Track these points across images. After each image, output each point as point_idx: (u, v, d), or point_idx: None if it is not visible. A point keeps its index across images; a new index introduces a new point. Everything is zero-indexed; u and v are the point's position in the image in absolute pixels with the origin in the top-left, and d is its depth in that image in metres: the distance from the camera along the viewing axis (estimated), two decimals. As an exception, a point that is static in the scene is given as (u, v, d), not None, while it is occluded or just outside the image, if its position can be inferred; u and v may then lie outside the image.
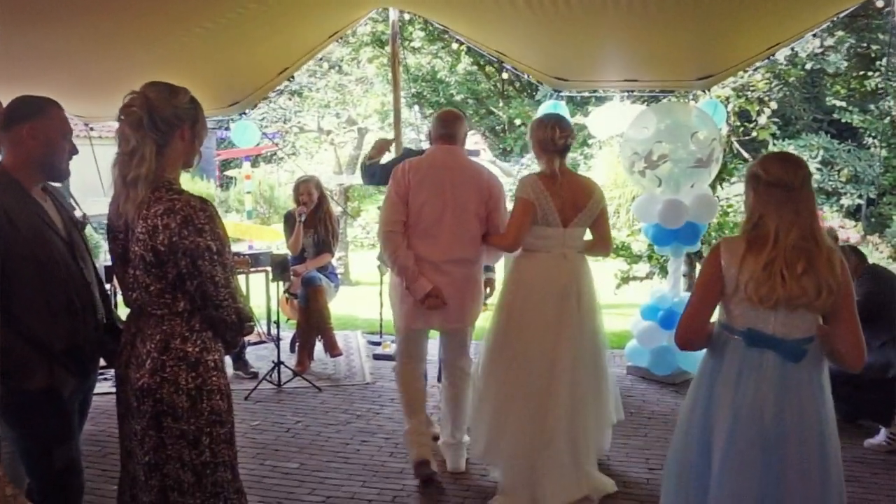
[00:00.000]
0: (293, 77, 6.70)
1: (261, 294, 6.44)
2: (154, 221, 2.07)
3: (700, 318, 2.26)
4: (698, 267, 6.22)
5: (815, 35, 8.96)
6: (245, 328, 2.23)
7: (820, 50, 11.15)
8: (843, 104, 12.42)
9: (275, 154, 18.23)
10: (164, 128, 2.13)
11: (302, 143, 16.92)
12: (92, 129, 7.02)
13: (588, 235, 3.55)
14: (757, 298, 2.12)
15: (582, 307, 3.39)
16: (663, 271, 6.07)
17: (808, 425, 2.14)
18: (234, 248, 10.43)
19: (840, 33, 11.17)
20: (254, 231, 9.18)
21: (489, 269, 4.53)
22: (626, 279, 6.11)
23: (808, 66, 11.29)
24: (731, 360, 2.22)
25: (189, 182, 14.88)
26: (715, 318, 2.34)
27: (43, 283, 2.26)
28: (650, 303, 5.33)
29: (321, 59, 18.00)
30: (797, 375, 2.16)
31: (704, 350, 2.34)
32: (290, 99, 18.92)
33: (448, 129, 3.65)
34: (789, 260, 2.11)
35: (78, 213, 2.83)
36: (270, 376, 5.16)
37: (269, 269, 5.74)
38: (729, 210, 6.26)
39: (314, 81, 18.25)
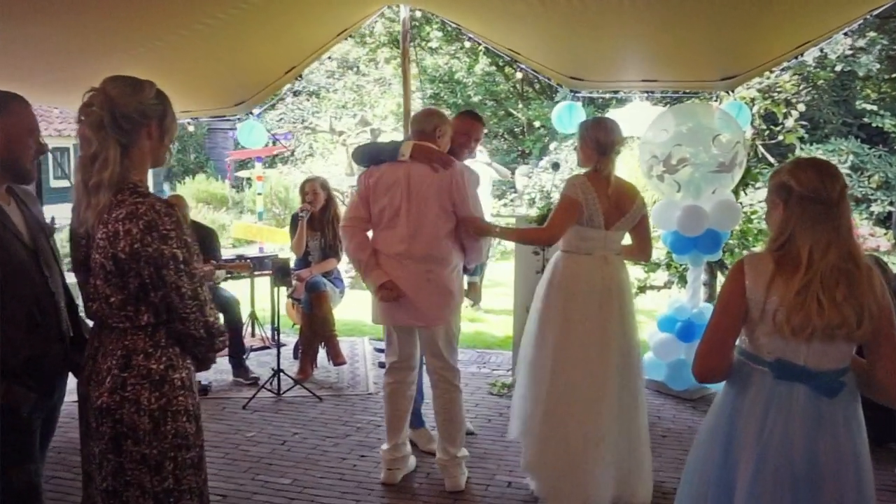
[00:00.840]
0: (301, 76, 6.50)
1: (266, 298, 6.29)
2: (115, 227, 1.91)
3: (722, 347, 2.00)
4: (720, 277, 6.00)
5: (846, 34, 8.66)
6: (216, 344, 2.05)
7: (850, 52, 10.81)
8: (874, 108, 12.07)
9: (292, 154, 18.26)
10: (128, 127, 1.96)
11: (320, 143, 16.90)
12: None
13: (627, 240, 3.54)
14: (789, 329, 1.86)
15: (623, 310, 3.36)
16: (682, 280, 5.83)
17: (844, 465, 1.90)
18: (241, 251, 10.35)
19: (872, 34, 10.83)
20: (265, 233, 9.03)
21: (471, 273, 4.36)
22: (643, 288, 5.86)
23: (837, 68, 10.97)
24: (756, 394, 1.96)
25: (204, 183, 14.85)
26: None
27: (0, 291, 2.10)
28: (668, 313, 5.11)
29: (338, 60, 18.02)
30: (831, 411, 1.91)
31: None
32: (307, 99, 18.96)
33: (417, 125, 3.58)
34: (827, 284, 1.85)
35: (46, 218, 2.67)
36: (271, 384, 5.01)
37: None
38: (753, 217, 5.99)
39: (332, 82, 18.27)
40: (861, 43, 10.77)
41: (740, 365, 2.02)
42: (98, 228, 1.94)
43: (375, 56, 15.44)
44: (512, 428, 3.69)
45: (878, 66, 11.32)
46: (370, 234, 3.60)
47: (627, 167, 12.48)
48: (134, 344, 1.96)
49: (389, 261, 3.46)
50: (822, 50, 9.83)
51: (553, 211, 3.43)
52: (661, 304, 5.55)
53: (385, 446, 3.73)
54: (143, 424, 1.94)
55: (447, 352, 3.56)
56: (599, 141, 3.34)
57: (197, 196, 14.05)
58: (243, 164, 16.10)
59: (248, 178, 12.81)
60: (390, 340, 3.68)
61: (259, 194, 9.41)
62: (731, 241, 5.88)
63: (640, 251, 3.55)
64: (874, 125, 12.10)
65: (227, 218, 13.67)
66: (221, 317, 5.44)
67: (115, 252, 1.91)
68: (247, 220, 13.49)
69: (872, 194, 11.66)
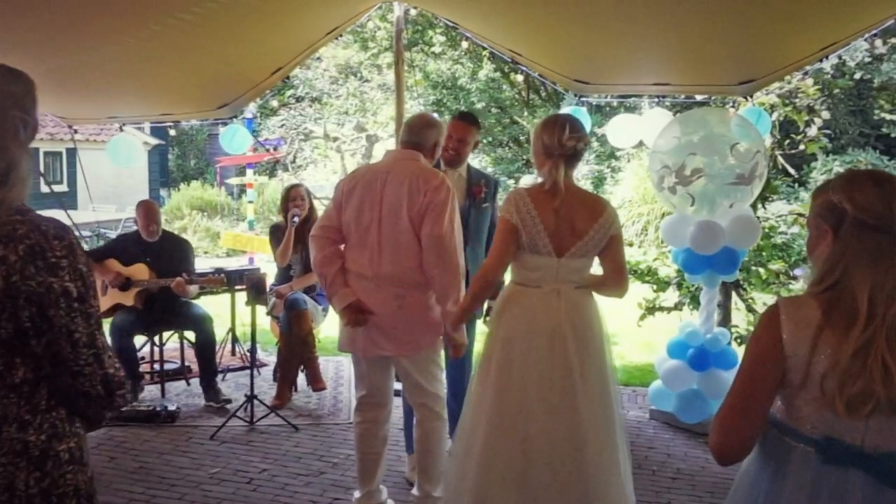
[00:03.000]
0: (288, 78, 6.11)
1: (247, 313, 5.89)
2: (-16, 253, 1.50)
3: (749, 418, 1.53)
4: (735, 298, 5.54)
5: (865, 39, 8.22)
6: (115, 401, 1.62)
7: (869, 59, 10.37)
8: (894, 118, 11.64)
9: (293, 161, 17.93)
10: (33, 127, 1.58)
11: (321, 150, 16.59)
12: (76, 131, 6.57)
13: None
14: (843, 402, 1.41)
15: (582, 350, 2.71)
16: (694, 301, 5.39)
17: None
18: (231, 262, 9.94)
19: (894, 40, 10.40)
20: (255, 243, 8.64)
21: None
22: (651, 309, 5.42)
23: (856, 76, 10.52)
24: (797, 480, 1.51)
25: (199, 189, 14.48)
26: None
27: None
28: (678, 338, 4.67)
29: (341, 66, 17.68)
30: None
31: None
32: (310, 106, 18.64)
33: (414, 137, 3.16)
34: (894, 341, 1.40)
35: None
36: (245, 411, 4.59)
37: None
38: (771, 232, 5.55)
39: (335, 88, 17.95)
40: (882, 49, 10.32)
41: (775, 440, 1.56)
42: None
43: (378, 61, 15.06)
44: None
45: (899, 74, 10.88)
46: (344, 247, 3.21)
47: (638, 177, 12.12)
48: (4, 410, 1.52)
49: (359, 281, 3.08)
50: (840, 57, 9.40)
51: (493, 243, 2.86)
52: (672, 327, 5.12)
53: (357, 494, 3.32)
54: (19, 512, 1.51)
55: (427, 380, 3.16)
56: (544, 142, 2.73)
57: (191, 203, 13.65)
58: (243, 171, 15.78)
59: (242, 186, 12.44)
60: (359, 371, 3.29)
61: (250, 202, 9.05)
62: (744, 259, 5.45)
63: (612, 284, 2.81)
64: (893, 135, 11.66)
65: (223, 226, 13.29)
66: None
67: (-18, 286, 1.50)
68: (242, 228, 13.14)
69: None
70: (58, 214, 8.16)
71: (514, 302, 2.79)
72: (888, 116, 11.82)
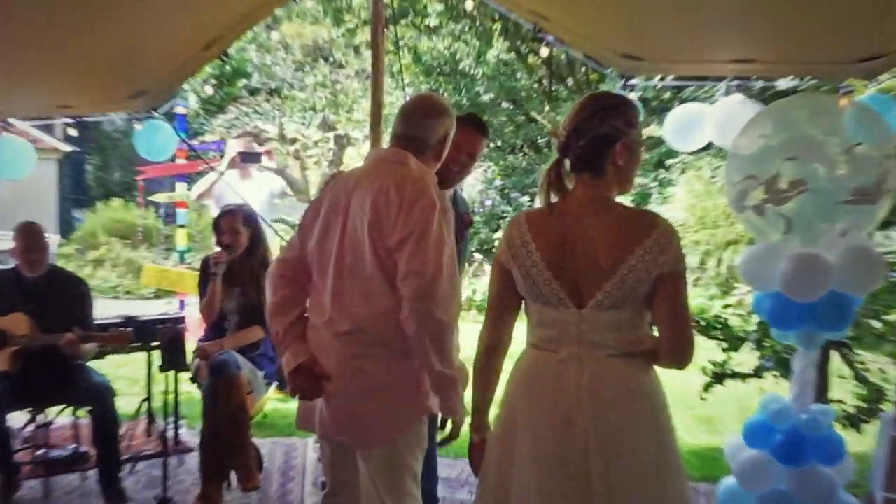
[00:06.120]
0: (227, 55, 5.74)
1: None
2: None
3: None
4: (838, 362, 5.09)
5: None
6: None
7: None
8: None
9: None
10: None
11: (281, 156, 16.41)
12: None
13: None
14: None
15: (610, 450, 2.29)
16: (781, 367, 4.98)
17: None
18: (144, 307, 9.50)
19: None
20: (188, 280, 8.14)
21: None
22: (719, 376, 5.02)
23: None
24: None
25: (121, 210, 14.18)
26: None
27: None
28: (761, 417, 4.25)
29: (309, 46, 17.52)
30: None
31: None
32: (267, 100, 18.44)
33: (405, 127, 2.92)
34: None
35: None
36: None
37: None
38: (891, 270, 5.15)
39: (300, 77, 17.78)
40: None
41: None
42: None
43: (354, 39, 14.86)
44: None
45: None
46: None
47: (694, 193, 11.77)
48: None
49: (317, 335, 2.88)
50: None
51: None
52: (747, 399, 4.72)
53: None
54: None
55: (388, 493, 2.81)
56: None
57: (109, 228, 13.28)
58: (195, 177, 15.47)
59: (171, 205, 12.06)
60: (322, 457, 3.16)
61: (181, 226, 8.67)
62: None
63: (668, 347, 2.36)
64: None
65: (150, 258, 12.98)
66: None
67: None
68: (174, 261, 12.81)
69: None
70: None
71: (521, 369, 2.50)
72: None
